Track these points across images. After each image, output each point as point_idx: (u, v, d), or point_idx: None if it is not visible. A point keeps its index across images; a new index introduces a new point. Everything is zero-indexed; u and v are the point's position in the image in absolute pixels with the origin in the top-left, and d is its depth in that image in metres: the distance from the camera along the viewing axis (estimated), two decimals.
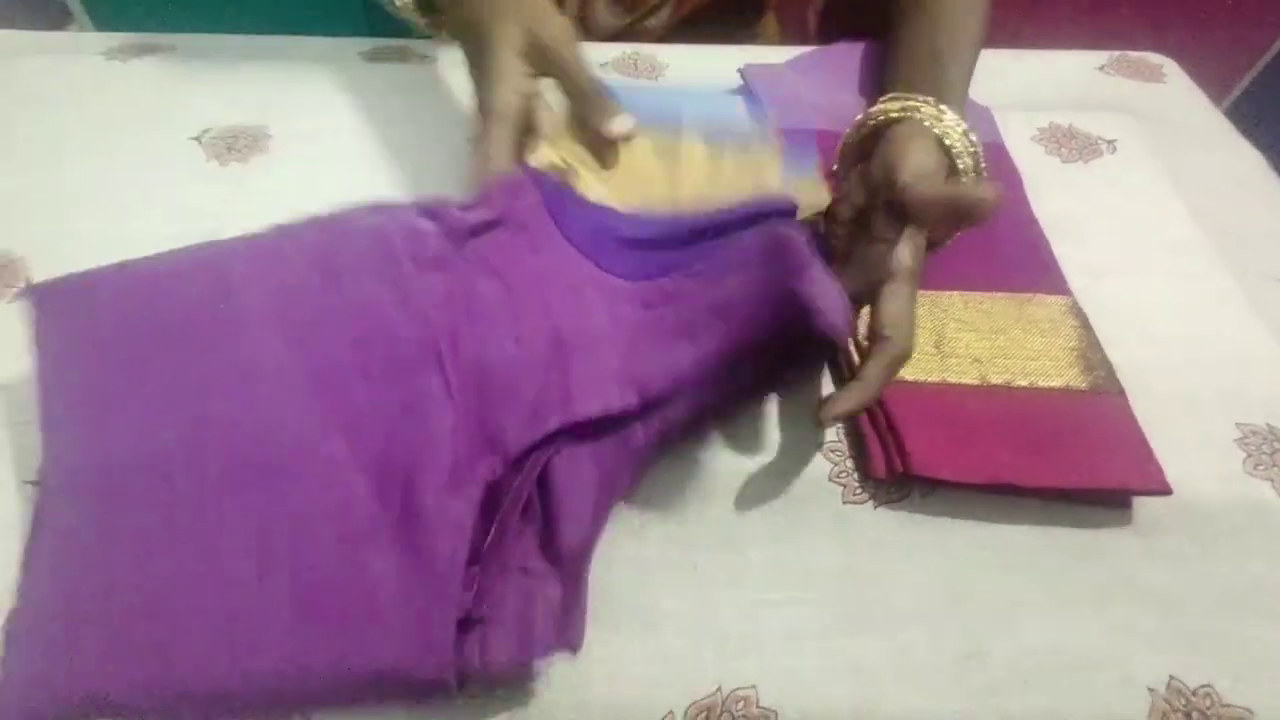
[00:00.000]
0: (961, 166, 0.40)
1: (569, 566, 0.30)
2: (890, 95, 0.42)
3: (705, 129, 0.43)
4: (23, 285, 0.40)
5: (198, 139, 0.49)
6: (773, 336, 0.33)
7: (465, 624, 0.28)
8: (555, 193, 0.39)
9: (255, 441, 0.31)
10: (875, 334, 0.34)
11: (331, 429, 0.32)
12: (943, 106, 0.41)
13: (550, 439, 0.32)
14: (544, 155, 0.40)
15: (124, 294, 0.34)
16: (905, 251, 0.35)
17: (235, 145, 0.49)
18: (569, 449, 0.32)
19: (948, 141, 0.39)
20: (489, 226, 0.37)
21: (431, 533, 0.29)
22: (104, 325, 0.34)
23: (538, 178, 0.39)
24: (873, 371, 0.34)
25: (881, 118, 0.41)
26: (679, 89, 0.44)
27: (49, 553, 0.29)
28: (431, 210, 0.37)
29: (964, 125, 0.40)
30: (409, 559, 0.29)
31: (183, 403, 0.32)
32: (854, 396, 0.33)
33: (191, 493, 0.30)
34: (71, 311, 0.34)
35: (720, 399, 0.34)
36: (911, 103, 0.41)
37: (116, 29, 0.59)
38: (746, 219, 0.38)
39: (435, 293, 0.35)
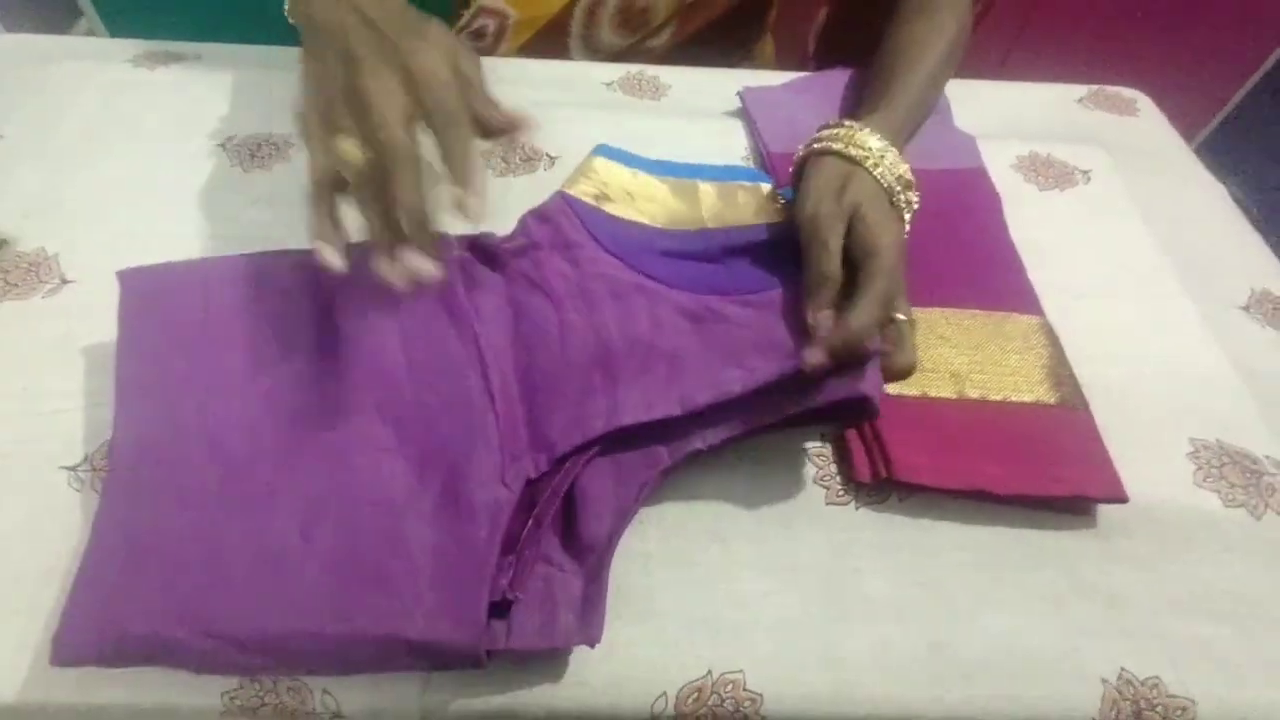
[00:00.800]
0: (879, 175, 0.41)
1: (590, 564, 0.32)
2: (824, 124, 0.44)
3: (713, 178, 0.46)
4: (56, 282, 0.43)
5: (222, 145, 0.51)
6: (813, 402, 0.35)
7: (498, 606, 0.30)
8: (591, 214, 0.43)
9: (307, 424, 0.34)
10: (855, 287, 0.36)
11: (379, 419, 0.35)
12: (851, 124, 0.42)
13: (592, 442, 0.34)
14: (580, 186, 0.44)
15: (200, 285, 0.38)
16: (874, 239, 0.37)
17: (258, 152, 0.51)
18: (600, 457, 0.34)
19: (850, 152, 0.41)
20: (529, 249, 0.41)
21: (473, 518, 0.31)
22: (180, 311, 0.37)
23: (573, 202, 0.43)
24: (852, 312, 0.35)
25: (811, 147, 0.44)
26: (689, 164, 0.47)
27: (117, 507, 0.32)
28: (472, 241, 0.40)
29: (876, 140, 0.42)
30: (449, 540, 0.31)
31: (243, 385, 0.35)
32: (834, 333, 0.34)
33: (245, 463, 0.33)
34: (153, 296, 0.37)
35: (748, 432, 0.36)
36: (825, 131, 0.43)
37: (127, 28, 0.61)
38: (770, 237, 0.41)
39: (483, 309, 0.38)
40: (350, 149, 0.32)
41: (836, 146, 0.42)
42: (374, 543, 0.31)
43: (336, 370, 0.36)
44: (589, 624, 0.31)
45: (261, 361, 0.36)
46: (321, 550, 0.31)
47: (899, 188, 0.41)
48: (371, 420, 0.34)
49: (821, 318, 0.36)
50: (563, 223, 0.42)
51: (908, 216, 0.42)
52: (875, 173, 0.41)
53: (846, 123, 0.43)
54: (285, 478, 0.33)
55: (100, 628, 0.29)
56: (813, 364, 0.34)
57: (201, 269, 0.39)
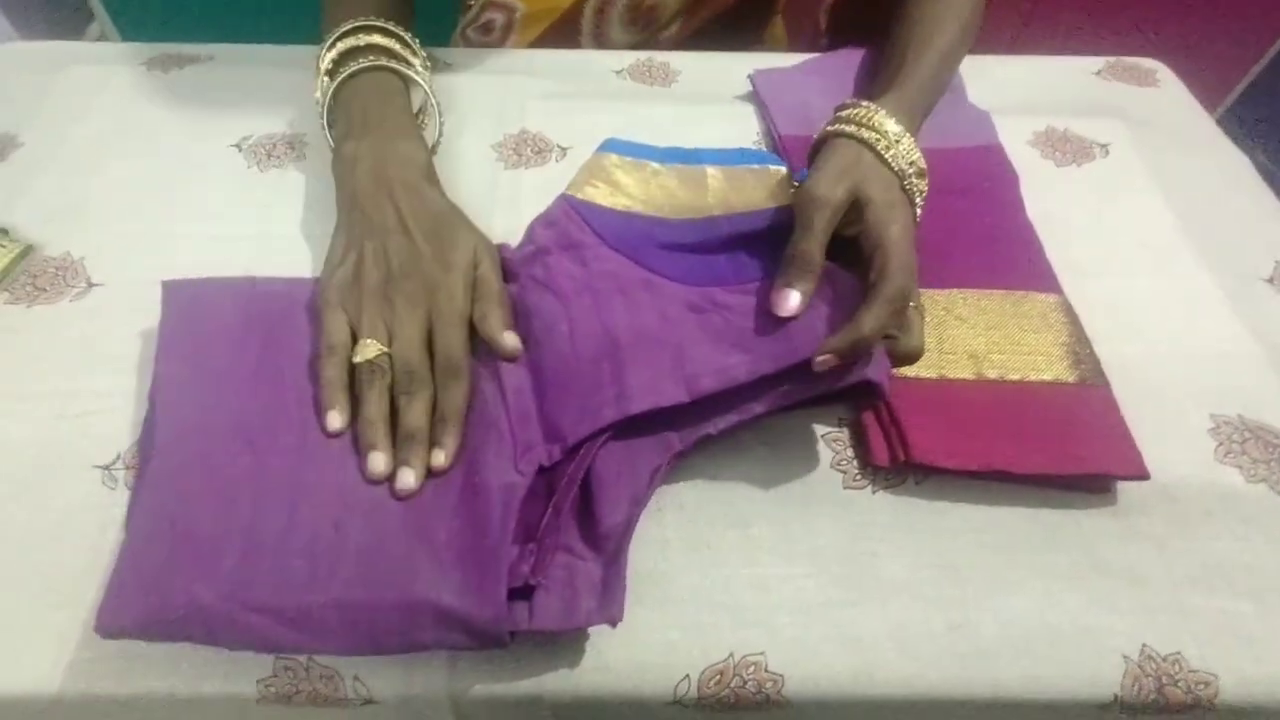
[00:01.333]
0: (890, 159, 0.40)
1: (608, 548, 0.33)
2: (841, 105, 0.44)
3: (722, 162, 0.46)
4: (83, 285, 0.44)
5: (238, 146, 0.52)
6: (820, 389, 0.36)
7: (522, 591, 0.31)
8: (595, 213, 0.43)
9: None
10: (869, 285, 0.36)
11: None
12: (868, 104, 0.42)
13: (603, 430, 0.35)
14: (584, 185, 0.44)
15: (236, 296, 0.40)
16: (883, 227, 0.37)
17: (274, 152, 0.52)
18: (613, 443, 0.35)
19: (863, 135, 0.41)
20: (538, 254, 0.42)
21: (488, 501, 0.33)
22: (218, 317, 0.39)
23: (576, 205, 0.44)
24: (864, 314, 0.35)
25: (826, 129, 0.43)
26: (697, 149, 0.47)
27: (156, 490, 0.33)
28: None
29: (893, 124, 0.41)
30: (468, 527, 0.32)
31: (272, 389, 0.37)
32: (844, 337, 0.35)
33: (277, 458, 0.34)
34: (193, 303, 0.39)
35: (758, 416, 0.36)
36: (843, 112, 0.43)
37: (139, 31, 0.62)
38: (774, 221, 0.41)
39: None
40: (372, 348, 0.37)
41: (850, 130, 0.41)
42: (400, 539, 0.32)
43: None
44: (609, 605, 0.31)
45: (288, 370, 0.37)
46: (352, 542, 0.32)
47: (911, 173, 0.41)
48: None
49: (778, 296, 0.37)
50: (568, 225, 0.43)
51: (919, 202, 0.42)
52: (887, 156, 0.40)
53: (864, 103, 0.42)
54: (315, 474, 0.34)
55: (142, 598, 0.30)
56: (823, 367, 0.34)
57: (237, 283, 0.41)
